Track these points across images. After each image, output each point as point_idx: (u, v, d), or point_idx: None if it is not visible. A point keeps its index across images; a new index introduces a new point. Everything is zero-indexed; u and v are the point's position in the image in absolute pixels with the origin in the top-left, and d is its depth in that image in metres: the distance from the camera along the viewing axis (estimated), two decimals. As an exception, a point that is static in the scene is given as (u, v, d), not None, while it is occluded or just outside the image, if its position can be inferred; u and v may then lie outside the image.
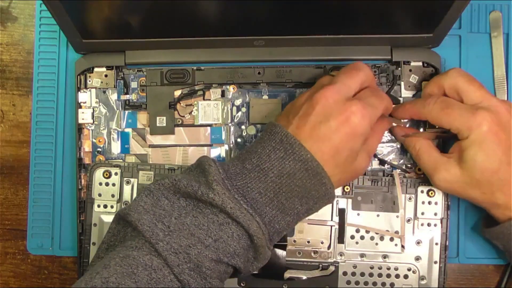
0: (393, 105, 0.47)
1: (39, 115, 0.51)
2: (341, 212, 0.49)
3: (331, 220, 0.49)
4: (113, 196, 0.49)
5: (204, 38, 0.47)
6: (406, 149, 0.48)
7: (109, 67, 0.50)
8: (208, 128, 0.50)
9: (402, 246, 0.48)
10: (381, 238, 0.48)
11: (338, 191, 0.48)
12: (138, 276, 0.37)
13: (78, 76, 0.50)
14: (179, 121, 0.50)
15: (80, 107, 0.50)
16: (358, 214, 0.49)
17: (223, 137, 0.50)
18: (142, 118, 0.50)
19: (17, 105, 0.53)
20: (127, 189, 0.49)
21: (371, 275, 0.49)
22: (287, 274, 0.48)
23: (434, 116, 0.44)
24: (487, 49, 0.51)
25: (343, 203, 0.49)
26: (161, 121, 0.50)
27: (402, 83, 0.50)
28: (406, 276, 0.48)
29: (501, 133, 0.42)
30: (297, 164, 0.39)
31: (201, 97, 0.50)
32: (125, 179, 0.49)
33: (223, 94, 0.50)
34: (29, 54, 0.53)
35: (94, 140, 0.50)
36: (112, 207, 0.49)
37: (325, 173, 0.39)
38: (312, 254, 0.49)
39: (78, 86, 0.50)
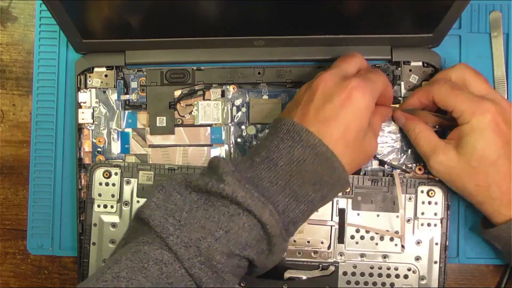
0: (395, 105, 0.47)
1: (39, 115, 0.51)
2: (341, 212, 0.49)
3: (331, 220, 0.49)
4: (113, 196, 0.49)
5: (204, 38, 0.47)
6: (406, 132, 0.48)
7: (109, 67, 0.50)
8: (208, 128, 0.50)
9: (402, 246, 0.48)
10: (381, 238, 0.48)
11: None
12: (149, 271, 0.36)
13: (78, 76, 0.50)
14: (179, 121, 0.50)
15: (80, 107, 0.50)
16: (358, 214, 0.49)
17: (223, 137, 0.50)
18: (142, 118, 0.50)
19: (17, 105, 0.53)
20: (127, 189, 0.49)
21: (371, 275, 0.49)
22: (287, 274, 0.48)
23: (442, 93, 0.44)
24: (487, 49, 0.51)
25: (343, 203, 0.49)
26: (161, 121, 0.50)
27: (402, 83, 0.50)
28: (406, 276, 0.48)
29: (503, 125, 0.43)
30: (306, 150, 0.39)
31: (201, 97, 0.50)
32: (125, 179, 0.49)
33: (223, 94, 0.50)
34: (29, 54, 0.53)
35: (94, 140, 0.50)
36: (112, 207, 0.49)
37: (335, 157, 0.39)
38: (312, 254, 0.49)
39: (78, 86, 0.50)
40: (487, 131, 0.42)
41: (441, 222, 0.48)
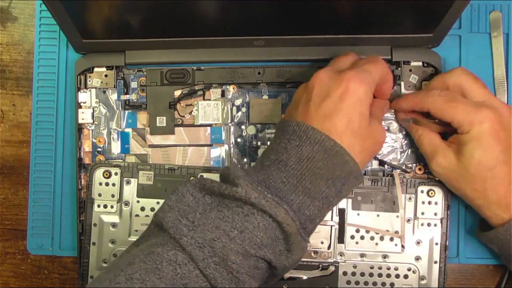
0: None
1: (39, 115, 0.51)
2: (341, 212, 0.49)
3: (331, 220, 0.49)
4: (113, 196, 0.49)
5: (204, 38, 0.47)
6: (409, 132, 0.48)
7: (109, 67, 0.50)
8: (208, 128, 0.50)
9: (402, 246, 0.48)
10: (381, 238, 0.48)
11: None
12: (163, 272, 0.36)
13: (78, 76, 0.50)
14: (179, 121, 0.50)
15: (80, 107, 0.50)
16: (358, 214, 0.49)
17: (223, 137, 0.50)
18: (142, 118, 0.50)
19: (17, 105, 0.53)
20: (127, 189, 0.49)
21: (371, 275, 0.49)
22: (287, 274, 0.48)
23: (438, 107, 0.44)
24: (487, 49, 0.51)
25: (343, 203, 0.49)
26: (161, 121, 0.50)
27: (402, 83, 0.50)
28: (406, 276, 0.48)
29: (501, 132, 0.42)
30: (314, 147, 0.39)
31: (201, 97, 0.50)
32: (125, 179, 0.49)
33: (223, 94, 0.50)
34: (29, 54, 0.53)
35: (94, 140, 0.50)
36: (112, 207, 0.49)
37: (344, 150, 0.39)
38: (312, 254, 0.49)
39: (78, 86, 0.50)
40: (485, 139, 0.42)
41: (441, 222, 0.48)
